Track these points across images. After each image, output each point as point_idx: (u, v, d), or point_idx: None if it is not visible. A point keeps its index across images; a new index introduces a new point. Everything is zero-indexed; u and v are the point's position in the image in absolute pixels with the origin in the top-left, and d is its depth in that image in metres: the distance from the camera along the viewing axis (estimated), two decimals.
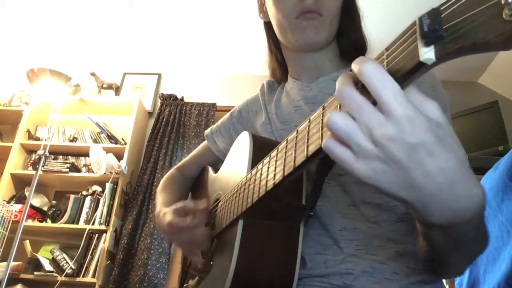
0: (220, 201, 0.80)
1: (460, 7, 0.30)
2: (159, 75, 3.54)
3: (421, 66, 0.33)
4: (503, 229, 0.80)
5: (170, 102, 3.30)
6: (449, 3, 0.31)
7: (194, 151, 1.11)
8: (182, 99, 3.35)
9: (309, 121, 0.47)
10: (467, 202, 0.39)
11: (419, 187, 0.37)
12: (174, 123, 3.20)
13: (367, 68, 0.35)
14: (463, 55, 0.31)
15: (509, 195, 0.82)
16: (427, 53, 0.32)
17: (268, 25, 0.94)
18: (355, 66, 0.36)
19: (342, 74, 0.39)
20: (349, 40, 0.88)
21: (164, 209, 0.84)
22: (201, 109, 3.25)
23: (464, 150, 0.39)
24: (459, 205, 0.39)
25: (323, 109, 0.44)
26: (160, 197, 0.99)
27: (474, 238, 0.49)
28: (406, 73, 0.34)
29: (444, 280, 0.75)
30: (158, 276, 2.67)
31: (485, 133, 2.69)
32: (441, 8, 0.32)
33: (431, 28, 0.31)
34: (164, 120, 3.22)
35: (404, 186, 0.37)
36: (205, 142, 1.07)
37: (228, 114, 1.06)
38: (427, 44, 0.32)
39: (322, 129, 0.43)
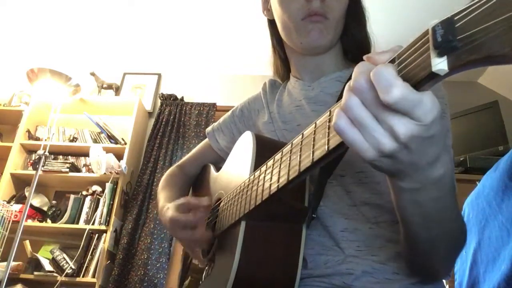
0: (222, 201, 0.80)
1: (475, 17, 0.29)
2: (159, 75, 3.54)
3: (433, 77, 0.33)
4: (503, 229, 0.80)
5: (170, 102, 3.30)
6: (463, 13, 0.30)
7: (195, 149, 1.11)
8: (182, 99, 3.35)
9: (315, 126, 0.47)
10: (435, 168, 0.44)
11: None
12: (174, 123, 3.20)
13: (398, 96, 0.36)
14: (477, 67, 0.31)
15: (509, 195, 0.82)
16: (440, 64, 0.31)
17: (271, 23, 0.93)
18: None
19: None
20: (353, 40, 0.88)
21: (167, 205, 0.84)
22: (201, 109, 3.25)
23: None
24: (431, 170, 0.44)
25: (330, 114, 0.44)
26: (162, 194, 0.99)
27: (444, 212, 0.52)
28: (418, 83, 0.34)
29: (444, 281, 0.74)
30: (158, 276, 2.67)
31: (485, 133, 2.68)
32: (455, 18, 0.31)
33: (445, 38, 0.31)
34: (164, 120, 3.21)
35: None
36: (206, 140, 1.07)
37: (229, 112, 1.05)
38: (440, 54, 0.31)
39: (328, 135, 0.43)
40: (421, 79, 0.34)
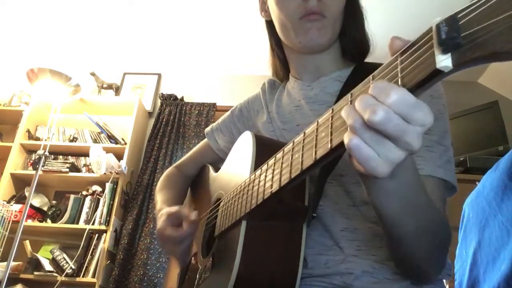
0: (221, 201, 0.80)
1: (478, 15, 0.30)
2: (159, 75, 3.54)
3: (437, 74, 0.33)
4: (503, 229, 0.80)
5: (170, 102, 3.30)
6: (467, 11, 0.30)
7: (193, 150, 1.11)
8: (182, 99, 3.35)
9: (317, 124, 0.47)
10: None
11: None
12: (174, 123, 3.20)
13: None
14: (481, 64, 0.31)
15: (509, 195, 0.82)
16: (444, 61, 0.32)
17: (270, 24, 0.93)
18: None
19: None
20: (352, 39, 0.88)
21: (162, 209, 0.84)
22: (201, 109, 3.25)
23: None
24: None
25: (332, 112, 0.44)
26: (159, 196, 0.99)
27: (422, 202, 0.54)
28: (422, 80, 0.34)
29: (444, 280, 0.74)
30: (158, 276, 2.67)
31: (485, 133, 2.68)
32: (459, 16, 0.31)
33: (449, 35, 0.31)
34: (164, 120, 3.22)
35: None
36: (205, 140, 1.07)
37: (228, 112, 1.05)
38: (444, 51, 0.32)
39: (331, 134, 0.43)
40: (425, 76, 0.34)
